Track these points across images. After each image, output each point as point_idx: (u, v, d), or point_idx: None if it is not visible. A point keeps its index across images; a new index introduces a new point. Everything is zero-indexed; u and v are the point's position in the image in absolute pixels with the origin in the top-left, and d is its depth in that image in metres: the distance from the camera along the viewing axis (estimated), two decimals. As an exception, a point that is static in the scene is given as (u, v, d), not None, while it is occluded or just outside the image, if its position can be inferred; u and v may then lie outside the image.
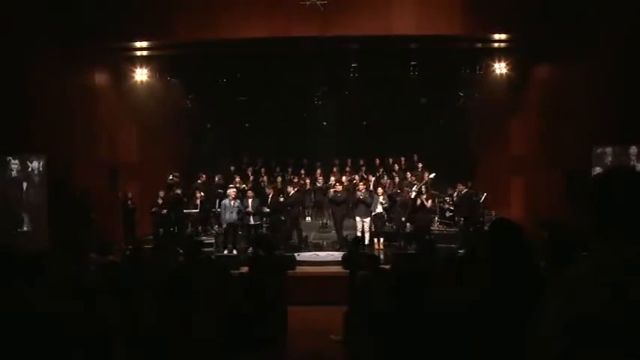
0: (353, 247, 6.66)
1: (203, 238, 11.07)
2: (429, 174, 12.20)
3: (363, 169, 14.22)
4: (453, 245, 9.80)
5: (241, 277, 5.12)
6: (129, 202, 10.62)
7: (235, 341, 3.76)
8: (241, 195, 11.12)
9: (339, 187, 11.28)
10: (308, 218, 13.53)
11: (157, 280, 3.80)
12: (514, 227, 2.35)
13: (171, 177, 11.65)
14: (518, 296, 2.06)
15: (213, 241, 10.82)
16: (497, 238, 2.32)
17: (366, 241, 10.57)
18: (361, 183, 11.65)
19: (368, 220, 10.72)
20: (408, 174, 12.92)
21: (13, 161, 8.12)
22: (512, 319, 1.96)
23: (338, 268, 8.39)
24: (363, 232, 10.63)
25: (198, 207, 11.70)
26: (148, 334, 3.26)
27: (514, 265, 2.21)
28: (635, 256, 1.26)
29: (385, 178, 13.25)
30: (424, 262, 4.73)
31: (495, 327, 2.06)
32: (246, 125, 15.62)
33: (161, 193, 11.02)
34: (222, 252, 10.17)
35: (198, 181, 12.30)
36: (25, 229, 8.13)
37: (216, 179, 12.90)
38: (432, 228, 11.20)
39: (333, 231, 12.02)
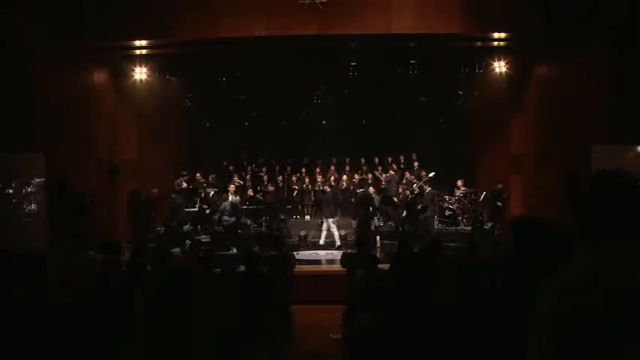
0: (360, 247, 6.64)
1: (202, 236, 11.12)
2: (428, 173, 12.25)
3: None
4: (453, 244, 9.84)
5: (242, 276, 5.12)
6: (144, 197, 10.59)
7: (236, 340, 3.76)
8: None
9: (271, 188, 11.81)
10: (307, 217, 13.55)
11: (158, 279, 3.81)
12: (542, 225, 2.22)
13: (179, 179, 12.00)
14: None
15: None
16: (524, 238, 2.18)
17: (338, 242, 10.75)
18: (329, 180, 11.83)
19: (331, 220, 10.84)
20: (407, 173, 12.93)
21: (12, 159, 8.11)
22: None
23: (337, 267, 8.41)
24: (329, 231, 10.78)
25: (198, 206, 11.72)
26: (147, 333, 3.26)
27: (541, 266, 2.13)
28: (619, 254, 1.29)
29: (383, 175, 13.28)
30: (427, 261, 4.73)
31: (510, 327, 2.04)
32: (246, 124, 15.62)
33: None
34: (225, 251, 10.20)
35: (202, 180, 12.34)
36: (24, 227, 8.12)
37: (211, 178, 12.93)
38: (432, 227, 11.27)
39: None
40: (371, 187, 11.16)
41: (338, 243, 10.73)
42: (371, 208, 10.63)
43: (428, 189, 11.36)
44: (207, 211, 11.44)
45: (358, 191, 11.25)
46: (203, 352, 3.30)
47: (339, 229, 11.06)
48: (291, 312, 5.44)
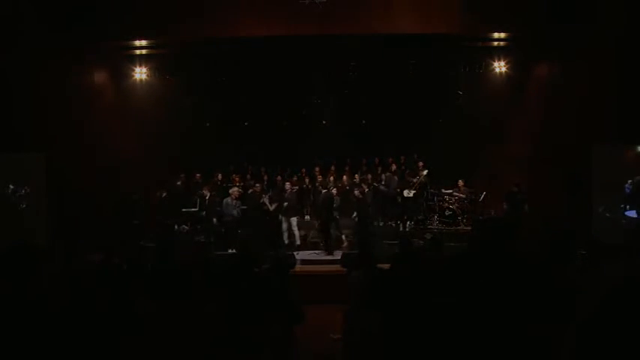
0: (363, 248, 6.63)
1: (202, 236, 11.11)
2: (423, 172, 12.25)
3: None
4: (452, 244, 9.83)
5: (242, 276, 5.11)
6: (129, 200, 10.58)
7: (237, 340, 3.75)
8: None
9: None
10: (307, 217, 13.53)
11: (157, 279, 3.80)
12: (497, 226, 2.32)
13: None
14: (503, 293, 2.06)
15: (212, 239, 10.83)
16: (482, 236, 2.29)
17: (297, 242, 10.85)
18: (287, 182, 11.82)
19: (293, 220, 10.95)
20: (407, 173, 12.93)
21: (12, 159, 8.11)
22: (497, 314, 1.95)
23: (337, 267, 8.42)
24: (290, 231, 10.84)
25: (198, 206, 11.69)
26: (147, 333, 3.25)
27: (498, 262, 2.19)
28: None
29: (384, 175, 13.26)
30: (429, 260, 4.72)
31: (483, 323, 2.06)
32: (246, 124, 15.60)
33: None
34: (225, 250, 10.19)
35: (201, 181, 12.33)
36: (24, 227, 8.12)
37: (218, 177, 12.91)
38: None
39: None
40: (334, 189, 11.14)
41: (298, 243, 10.85)
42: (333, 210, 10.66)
43: (429, 189, 11.33)
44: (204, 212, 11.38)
45: (323, 191, 11.22)
46: (203, 352, 3.29)
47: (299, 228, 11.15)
48: (293, 312, 5.42)
